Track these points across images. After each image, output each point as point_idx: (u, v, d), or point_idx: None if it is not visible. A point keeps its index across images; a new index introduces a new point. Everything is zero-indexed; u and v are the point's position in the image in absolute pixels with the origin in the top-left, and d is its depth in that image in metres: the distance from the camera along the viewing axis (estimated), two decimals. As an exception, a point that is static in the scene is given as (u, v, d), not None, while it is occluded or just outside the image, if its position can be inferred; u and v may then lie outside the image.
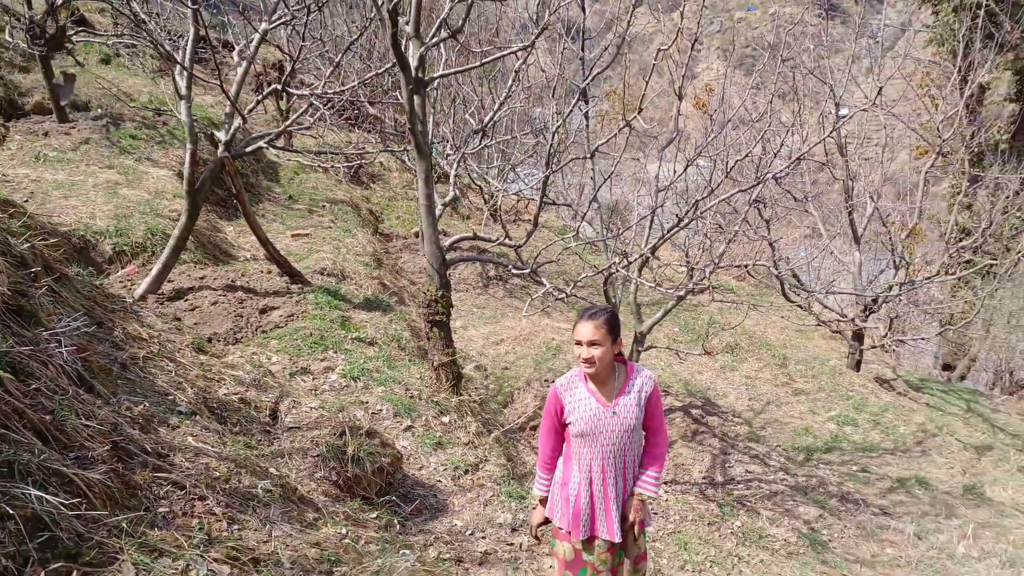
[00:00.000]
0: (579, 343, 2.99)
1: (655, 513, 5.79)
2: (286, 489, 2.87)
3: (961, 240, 10.51)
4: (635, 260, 6.44)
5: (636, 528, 3.19)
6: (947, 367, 15.71)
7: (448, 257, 5.77)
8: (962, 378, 14.93)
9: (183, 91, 5.91)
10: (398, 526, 3.80)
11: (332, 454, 3.89)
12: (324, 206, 10.33)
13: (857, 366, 11.28)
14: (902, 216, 11.48)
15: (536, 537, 3.32)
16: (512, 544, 4.15)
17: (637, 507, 3.15)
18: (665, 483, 6.35)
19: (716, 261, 6.76)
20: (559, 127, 5.78)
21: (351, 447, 3.99)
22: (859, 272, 11.68)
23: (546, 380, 8.26)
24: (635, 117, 5.41)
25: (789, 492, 6.79)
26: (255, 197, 9.72)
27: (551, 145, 5.88)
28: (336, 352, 5.72)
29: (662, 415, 3.24)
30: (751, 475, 6.88)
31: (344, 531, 2.75)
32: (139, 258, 6.55)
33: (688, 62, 6.49)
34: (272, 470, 3.08)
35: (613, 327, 3.00)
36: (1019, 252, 10.55)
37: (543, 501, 3.25)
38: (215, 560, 2.12)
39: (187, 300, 6.01)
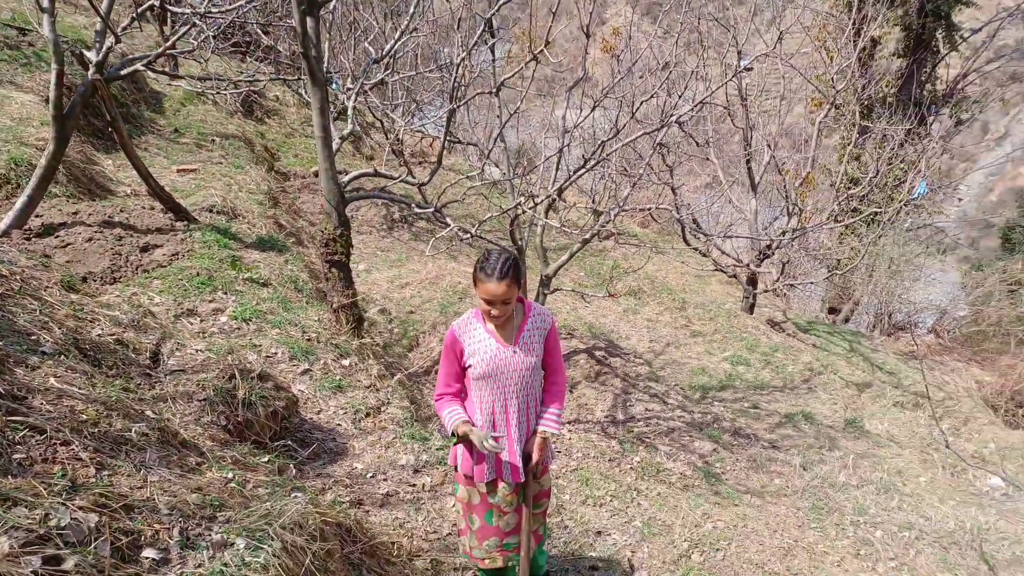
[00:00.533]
0: (489, 303, 2.83)
1: (558, 451, 5.83)
2: (165, 433, 2.64)
3: (850, 189, 10.96)
4: (542, 201, 6.34)
5: (539, 467, 3.14)
6: (832, 311, 16.58)
7: (347, 195, 5.49)
8: (846, 320, 15.80)
9: (45, 3, 5.30)
10: (293, 470, 3.63)
11: (221, 398, 3.65)
12: (214, 140, 9.69)
13: (751, 309, 11.72)
14: (796, 165, 11.86)
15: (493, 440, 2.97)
16: (415, 485, 4.05)
17: (540, 445, 3.08)
18: (568, 422, 6.40)
19: (621, 204, 6.76)
20: (463, 59, 5.54)
21: (242, 391, 3.76)
22: (755, 219, 12.05)
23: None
24: (541, 51, 5.24)
25: (686, 428, 6.99)
26: (137, 129, 9.00)
27: (455, 78, 5.63)
28: (226, 293, 5.39)
29: (560, 352, 3.18)
30: (651, 413, 7.05)
31: (231, 475, 2.56)
32: (1, 190, 5.95)
33: (596, 5, 6.35)
34: (150, 414, 2.84)
35: (518, 277, 2.86)
36: (902, 201, 11.13)
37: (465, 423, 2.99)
38: (80, 508, 1.90)
39: (58, 236, 5.50)
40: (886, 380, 10.32)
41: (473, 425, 3.01)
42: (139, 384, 3.52)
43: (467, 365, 2.99)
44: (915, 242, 15.60)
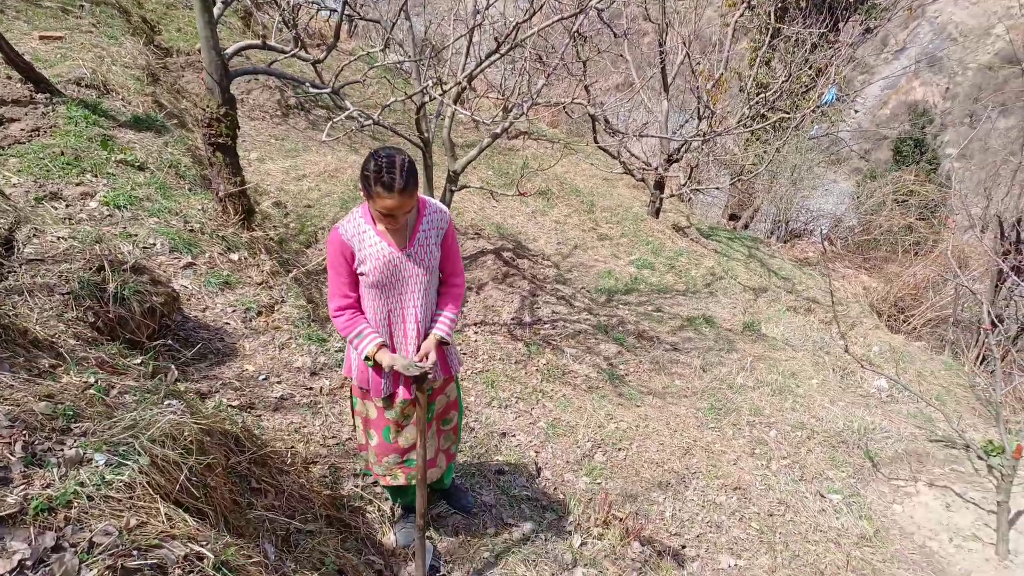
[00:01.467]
0: (388, 216, 2.50)
1: (464, 354, 5.68)
2: (10, 331, 2.26)
3: (760, 94, 10.94)
4: (451, 88, 5.92)
5: (432, 374, 2.83)
6: (733, 217, 16.98)
7: (232, 70, 4.91)
8: (745, 227, 16.24)
9: None
10: (175, 373, 3.30)
11: (87, 292, 3.23)
12: (83, 6, 8.58)
13: (656, 214, 11.76)
14: (709, 67, 11.71)
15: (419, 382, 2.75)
16: (312, 388, 3.80)
17: (429, 348, 2.78)
18: (474, 324, 6.24)
19: (534, 96, 6.42)
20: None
21: (112, 284, 3.34)
22: (666, 121, 11.93)
23: (352, 219, 7.73)
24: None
25: (591, 331, 6.98)
26: (-12, -13, 7.84)
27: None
28: (96, 176, 4.81)
29: (458, 253, 2.89)
30: (557, 315, 6.98)
31: (92, 380, 2.23)
32: None
33: None
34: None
35: (417, 183, 2.52)
36: (809, 107, 11.23)
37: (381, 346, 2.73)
38: None
39: None
40: (781, 285, 10.68)
41: (390, 348, 2.76)
42: (-15, 275, 3.06)
43: (358, 272, 2.70)
44: (816, 151, 16.00)
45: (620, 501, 4.80)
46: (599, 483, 4.92)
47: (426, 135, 6.47)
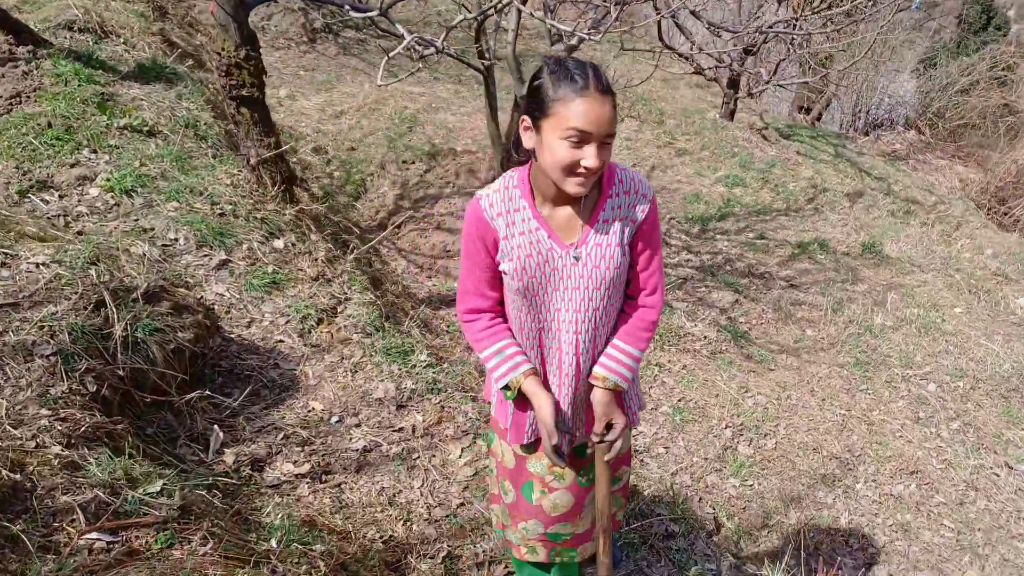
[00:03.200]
0: (582, 138, 1.48)
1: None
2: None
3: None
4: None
5: (606, 431, 1.87)
6: (803, 109, 15.36)
7: (251, -5, 3.77)
8: (818, 119, 14.66)
9: None
10: (220, 438, 2.36)
11: (83, 345, 2.28)
12: (68, -67, 7.37)
13: (731, 116, 10.35)
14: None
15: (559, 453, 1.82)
16: (401, 429, 2.84)
17: (606, 402, 1.82)
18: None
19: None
20: None
21: (119, 326, 2.38)
22: (739, 10, 10.40)
23: (404, 161, 6.64)
24: None
25: (697, 276, 5.90)
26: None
27: None
28: (95, 151, 3.79)
29: (660, 253, 1.80)
30: (657, 261, 5.90)
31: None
32: None
33: None
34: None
35: (615, 100, 1.52)
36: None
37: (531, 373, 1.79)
38: None
39: None
40: (876, 187, 9.33)
41: (548, 390, 1.80)
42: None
43: (500, 269, 1.73)
44: (898, 28, 14.13)
45: (782, 508, 3.86)
46: (750, 484, 3.98)
47: (488, 57, 5.28)
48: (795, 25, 8.96)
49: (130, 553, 1.61)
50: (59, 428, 1.94)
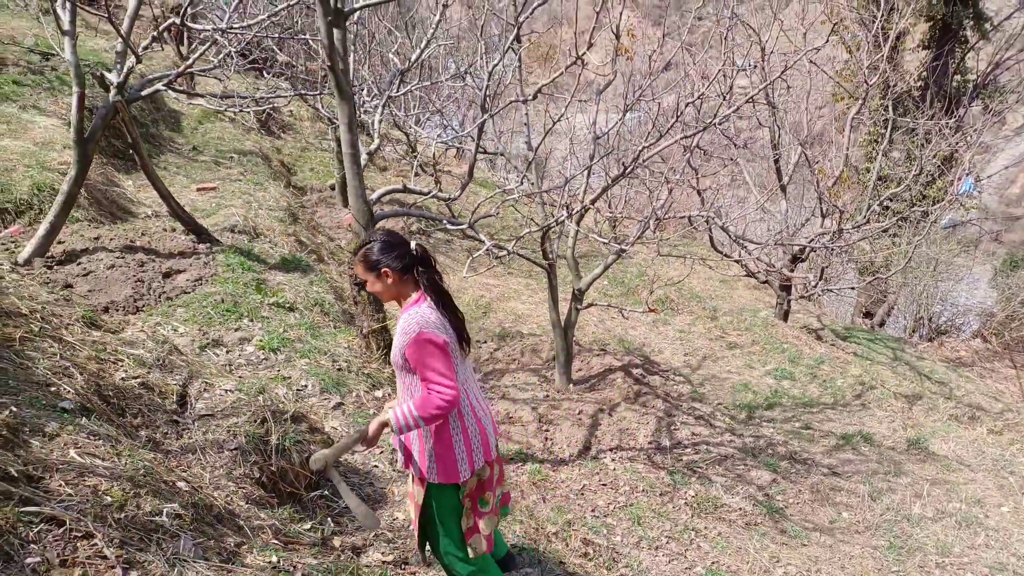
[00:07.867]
0: None
1: (604, 485, 5.45)
2: (199, 509, 2.34)
3: (888, 188, 10.56)
4: (576, 212, 6.02)
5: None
6: (867, 315, 16.10)
7: (376, 212, 5.20)
8: (881, 324, 15.31)
9: (66, 26, 5.05)
10: (332, 526, 3.32)
11: (253, 446, 3.35)
12: (232, 157, 9.45)
13: (785, 317, 11.30)
14: (829, 163, 11.46)
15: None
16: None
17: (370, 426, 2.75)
18: (611, 449, 6.05)
19: (660, 213, 6.43)
20: (496, 66, 5.23)
21: (275, 436, 3.46)
22: (785, 221, 11.66)
23: (478, 341, 7.84)
24: (585, 52, 4.92)
25: (739, 455, 6.61)
26: (156, 148, 8.77)
27: (486, 87, 5.33)
28: (252, 320, 5.11)
29: (427, 367, 2.53)
30: (698, 438, 6.67)
31: (275, 559, 2.25)
32: (24, 217, 5.72)
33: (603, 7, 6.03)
34: (183, 485, 2.53)
35: (366, 259, 2.67)
36: (948, 199, 10.68)
37: None
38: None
39: (80, 264, 5.24)
40: (936, 391, 9.84)
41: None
42: (166, 434, 3.23)
43: None
44: (951, 240, 15.10)
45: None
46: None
47: (551, 257, 6.56)
48: (835, 237, 10.12)
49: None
50: (241, 493, 2.98)
